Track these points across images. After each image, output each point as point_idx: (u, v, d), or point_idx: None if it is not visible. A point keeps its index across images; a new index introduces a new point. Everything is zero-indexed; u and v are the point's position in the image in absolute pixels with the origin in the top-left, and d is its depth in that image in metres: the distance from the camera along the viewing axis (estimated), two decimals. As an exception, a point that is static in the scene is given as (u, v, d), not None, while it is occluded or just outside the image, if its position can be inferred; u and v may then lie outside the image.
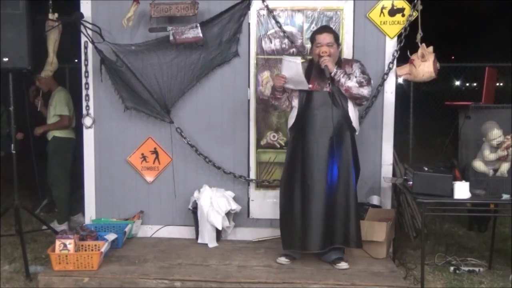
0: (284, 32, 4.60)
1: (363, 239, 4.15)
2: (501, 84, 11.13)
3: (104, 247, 4.03)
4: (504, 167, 3.86)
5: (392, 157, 4.65)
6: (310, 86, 3.95)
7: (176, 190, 4.77)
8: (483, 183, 3.89)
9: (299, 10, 4.61)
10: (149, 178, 4.80)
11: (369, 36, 4.55)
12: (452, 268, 4.30)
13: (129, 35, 4.65)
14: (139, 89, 4.63)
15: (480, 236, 5.26)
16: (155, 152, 4.78)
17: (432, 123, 8.43)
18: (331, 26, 4.50)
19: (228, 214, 4.55)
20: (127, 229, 4.53)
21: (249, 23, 4.62)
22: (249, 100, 4.67)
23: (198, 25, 4.42)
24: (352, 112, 3.99)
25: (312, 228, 3.90)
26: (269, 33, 4.63)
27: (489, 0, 12.86)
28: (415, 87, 6.44)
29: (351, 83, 3.86)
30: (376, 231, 4.17)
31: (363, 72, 3.96)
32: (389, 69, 4.54)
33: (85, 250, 4.00)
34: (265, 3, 4.58)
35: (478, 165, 3.93)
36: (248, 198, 4.76)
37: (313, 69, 4.01)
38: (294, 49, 4.61)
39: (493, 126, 3.87)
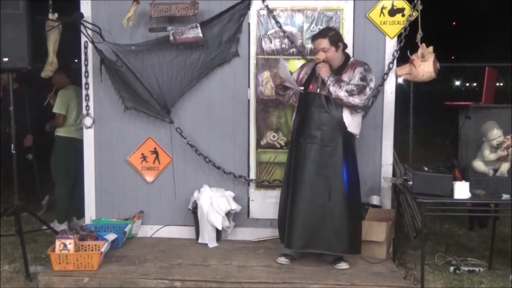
0: (284, 32, 4.60)
1: (363, 239, 4.15)
2: (501, 84, 11.12)
3: (104, 247, 4.03)
4: (504, 167, 3.86)
5: (392, 157, 4.65)
6: (301, 88, 4.00)
7: (176, 190, 4.77)
8: (483, 183, 3.89)
9: (299, 10, 4.61)
10: (149, 178, 4.80)
11: (369, 36, 4.55)
12: (452, 268, 4.30)
13: (129, 35, 4.65)
14: (139, 89, 4.63)
15: (480, 236, 5.26)
16: (155, 152, 4.78)
17: (432, 123, 8.42)
18: (331, 26, 4.51)
19: (228, 214, 4.55)
20: (127, 229, 4.53)
21: (249, 23, 4.62)
22: (249, 100, 4.67)
23: (198, 25, 4.42)
24: (348, 117, 3.93)
25: (295, 227, 3.93)
26: (269, 33, 4.63)
27: (489, 0, 12.87)
28: (415, 87, 6.43)
29: (341, 93, 3.84)
30: (376, 231, 4.17)
31: (362, 78, 3.88)
32: (389, 69, 4.54)
33: (85, 250, 4.00)
34: (265, 3, 4.58)
35: (478, 165, 3.93)
36: (248, 198, 4.76)
37: (314, 72, 4.04)
38: (294, 49, 4.61)
39: (493, 126, 3.87)
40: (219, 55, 4.60)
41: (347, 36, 4.56)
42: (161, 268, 4.01)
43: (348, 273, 3.92)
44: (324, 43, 3.92)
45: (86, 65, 4.72)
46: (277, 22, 4.58)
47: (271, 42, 4.63)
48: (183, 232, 4.77)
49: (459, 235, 5.34)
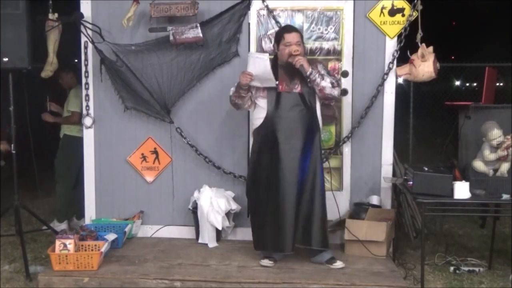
0: (284, 32, 4.59)
1: (363, 239, 4.16)
2: (501, 84, 11.12)
3: (104, 247, 4.03)
4: (504, 167, 3.86)
5: (392, 157, 4.64)
6: (277, 82, 3.89)
7: (176, 190, 4.77)
8: (483, 183, 3.89)
9: (299, 10, 4.61)
10: (149, 178, 4.80)
11: (369, 36, 4.55)
12: (452, 268, 4.30)
13: (129, 35, 4.65)
14: (139, 89, 4.63)
15: (480, 236, 5.26)
16: (155, 152, 4.78)
17: (432, 123, 8.42)
18: (331, 26, 4.53)
19: (228, 214, 4.55)
20: (127, 229, 4.53)
21: (249, 23, 4.62)
22: (249, 100, 4.67)
23: (198, 25, 4.42)
24: (319, 112, 4.02)
25: (286, 230, 3.90)
26: (269, 33, 4.63)
27: (489, 0, 12.86)
28: (415, 87, 6.43)
29: (325, 83, 3.86)
30: (376, 231, 4.17)
31: (328, 73, 3.98)
32: (389, 69, 4.54)
33: (85, 250, 4.00)
34: (265, 3, 4.58)
35: (478, 165, 3.93)
36: (248, 198, 4.76)
37: (279, 70, 3.95)
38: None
39: (493, 126, 3.87)
40: (219, 55, 4.60)
41: (347, 36, 4.56)
42: (161, 268, 4.01)
43: (348, 273, 3.91)
44: (298, 37, 3.91)
45: (86, 65, 4.72)
46: (277, 22, 4.58)
47: (271, 42, 4.63)
48: (183, 232, 4.77)
49: (459, 235, 5.34)
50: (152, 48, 4.60)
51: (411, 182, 3.95)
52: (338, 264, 4.01)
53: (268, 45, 4.63)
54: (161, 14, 4.46)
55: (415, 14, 4.44)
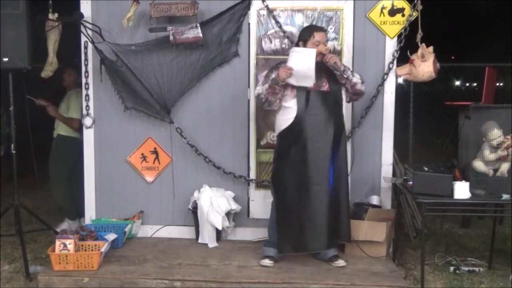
0: (284, 32, 4.60)
1: (363, 239, 4.17)
2: (501, 84, 11.12)
3: (104, 247, 4.03)
4: (504, 167, 3.86)
5: (392, 157, 4.65)
6: (314, 82, 3.86)
7: (176, 190, 4.77)
8: (483, 183, 3.89)
9: (299, 10, 4.61)
10: (149, 178, 4.80)
11: (369, 36, 4.55)
12: (452, 268, 4.30)
13: (129, 35, 4.65)
14: (139, 89, 4.63)
15: (480, 236, 5.26)
16: (155, 152, 4.78)
17: (432, 123, 8.42)
18: (331, 26, 4.54)
19: (228, 214, 4.55)
20: (127, 229, 4.53)
21: (249, 23, 4.62)
22: (249, 100, 4.67)
23: (198, 25, 4.42)
24: (344, 109, 4.10)
25: (320, 229, 3.89)
26: (269, 33, 4.63)
27: (489, 0, 12.86)
28: (415, 87, 6.42)
29: (356, 79, 3.96)
30: (376, 231, 4.17)
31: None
32: (389, 69, 4.54)
33: (85, 250, 4.00)
34: (265, 3, 4.58)
35: (478, 165, 3.93)
36: (248, 198, 4.76)
37: None
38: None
39: (493, 126, 3.87)
40: (219, 55, 4.60)
41: (347, 36, 4.56)
42: (161, 268, 4.01)
43: (348, 273, 3.92)
44: (326, 37, 4.02)
45: (86, 65, 4.72)
46: (277, 22, 4.58)
47: (271, 42, 4.63)
48: (183, 232, 4.77)
49: (459, 235, 5.34)
50: (152, 48, 4.60)
51: (411, 182, 3.95)
52: (340, 262, 4.02)
53: (268, 45, 4.63)
54: (161, 14, 4.47)
55: (415, 14, 4.44)
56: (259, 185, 4.74)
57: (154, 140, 4.77)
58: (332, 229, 3.94)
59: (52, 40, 4.55)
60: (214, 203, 4.47)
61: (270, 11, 4.58)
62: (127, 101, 4.68)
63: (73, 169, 5.24)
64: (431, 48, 4.36)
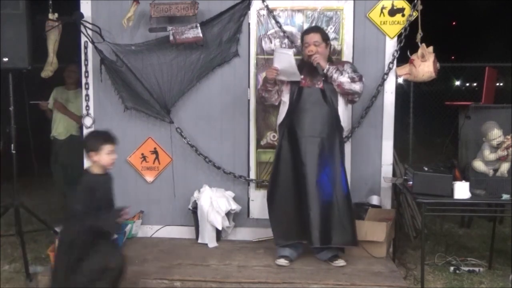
0: (284, 32, 4.60)
1: (363, 239, 4.16)
2: (501, 84, 11.11)
3: (104, 247, 4.02)
4: (504, 167, 3.86)
5: (392, 157, 4.65)
6: (302, 77, 4.00)
7: (176, 190, 4.77)
8: (483, 183, 3.89)
9: (299, 10, 4.61)
10: (149, 178, 4.80)
11: (369, 36, 4.55)
12: (452, 268, 4.30)
13: (129, 35, 4.65)
14: (139, 89, 4.63)
15: (480, 236, 5.26)
16: (155, 152, 4.78)
17: (432, 123, 8.42)
18: (331, 26, 4.53)
19: (228, 214, 4.55)
20: (127, 229, 4.53)
21: (249, 23, 4.62)
22: (249, 100, 4.67)
23: (198, 25, 4.42)
24: (343, 110, 4.05)
25: (312, 223, 3.90)
26: (269, 33, 4.63)
27: (489, 0, 12.86)
28: (415, 87, 6.42)
29: (343, 79, 3.92)
30: (376, 231, 4.17)
31: (354, 70, 4.04)
32: (389, 69, 4.54)
33: (85, 250, 3.99)
34: (265, 3, 4.58)
35: (478, 165, 3.92)
36: (248, 198, 4.76)
37: (303, 69, 4.04)
38: (294, 49, 4.58)
39: (493, 126, 3.86)
40: (219, 55, 4.60)
41: (347, 36, 4.56)
42: (161, 268, 4.01)
43: (348, 273, 3.92)
44: (317, 37, 4.01)
45: (86, 65, 4.72)
46: (277, 22, 4.58)
47: (271, 42, 4.63)
48: (183, 232, 4.77)
49: (459, 235, 5.34)
50: (152, 48, 4.60)
51: (411, 182, 3.95)
52: (340, 262, 4.02)
53: (268, 45, 4.63)
54: (161, 14, 4.47)
55: (415, 14, 4.44)
56: (259, 185, 4.74)
57: (154, 140, 4.77)
58: (326, 227, 3.93)
59: (52, 40, 4.55)
60: (214, 203, 4.47)
61: (270, 11, 4.58)
62: (127, 101, 4.68)
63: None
64: (431, 48, 4.36)
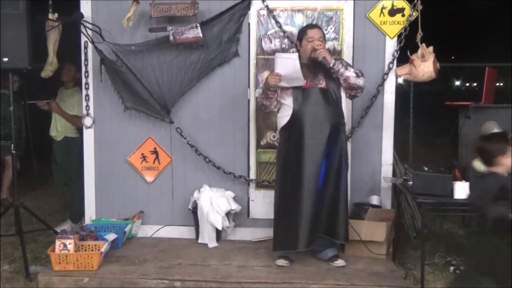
0: (284, 32, 4.60)
1: (363, 239, 4.17)
2: (501, 84, 11.12)
3: (104, 247, 4.03)
4: (504, 167, 3.85)
5: (392, 157, 4.64)
6: (304, 81, 3.93)
7: (176, 190, 4.77)
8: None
9: (299, 10, 4.61)
10: (149, 178, 4.80)
11: (369, 36, 4.55)
12: (452, 268, 4.30)
13: (129, 35, 4.65)
14: (139, 89, 4.63)
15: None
16: (155, 152, 4.78)
17: (432, 123, 8.43)
18: (331, 26, 4.54)
19: (228, 214, 4.55)
20: (127, 229, 4.53)
21: (249, 23, 4.62)
22: (249, 100, 4.67)
23: (198, 25, 4.42)
24: (344, 106, 4.06)
25: (301, 227, 3.90)
26: (269, 33, 4.63)
27: (489, 0, 12.86)
28: (415, 87, 6.43)
29: (350, 73, 3.91)
30: (376, 231, 4.17)
31: (352, 67, 4.05)
32: (389, 69, 4.54)
33: (85, 250, 4.00)
34: (265, 3, 4.58)
35: (478, 165, 3.92)
36: (248, 198, 4.76)
37: (302, 66, 3.94)
38: (294, 49, 4.60)
39: (493, 126, 3.87)
40: (219, 55, 4.60)
41: (347, 36, 4.56)
42: (161, 268, 4.01)
43: (348, 273, 3.92)
44: (320, 33, 4.01)
45: (86, 65, 4.72)
46: (277, 22, 4.58)
47: (271, 42, 4.63)
48: (183, 232, 4.77)
49: (459, 235, 5.34)
50: (152, 48, 4.60)
51: (411, 182, 3.95)
52: (339, 262, 4.02)
53: (268, 45, 4.63)
54: (161, 14, 4.47)
55: (415, 14, 4.44)
56: (259, 185, 4.74)
57: (154, 140, 4.77)
58: (317, 226, 3.93)
59: (52, 40, 4.55)
60: (214, 203, 4.47)
61: (270, 11, 4.58)
62: (127, 101, 4.68)
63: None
64: (431, 48, 4.36)
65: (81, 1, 4.65)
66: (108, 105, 4.75)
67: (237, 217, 4.70)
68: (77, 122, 5.15)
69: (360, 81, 3.94)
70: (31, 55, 4.13)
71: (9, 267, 4.34)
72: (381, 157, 4.62)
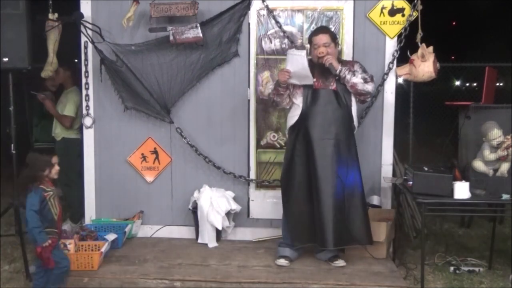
0: (284, 32, 4.60)
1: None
2: (501, 84, 11.11)
3: (104, 247, 4.03)
4: (504, 167, 3.86)
5: (392, 157, 4.65)
6: (315, 80, 3.94)
7: (176, 190, 4.77)
8: (483, 183, 3.89)
9: (299, 10, 4.61)
10: (149, 178, 4.80)
11: (369, 36, 4.55)
12: (452, 268, 4.30)
13: (129, 35, 4.65)
14: (139, 89, 4.63)
15: (480, 236, 5.26)
16: (155, 152, 4.78)
17: (432, 123, 8.42)
18: (331, 26, 4.53)
19: (228, 214, 4.55)
20: (127, 229, 4.53)
21: (249, 23, 4.62)
22: (249, 100, 4.67)
23: (198, 25, 4.42)
24: (355, 110, 4.04)
25: (326, 225, 3.86)
26: (269, 33, 4.63)
27: (489, 0, 12.87)
28: (415, 87, 6.42)
29: (357, 79, 3.91)
30: (376, 231, 4.17)
31: (364, 70, 4.01)
32: (389, 69, 4.54)
33: (85, 250, 4.00)
34: (265, 3, 4.58)
35: (478, 165, 3.92)
36: (248, 198, 4.76)
37: (315, 70, 3.98)
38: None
39: (493, 126, 3.87)
40: (219, 55, 4.60)
41: (347, 36, 4.56)
42: (161, 268, 4.01)
43: (348, 273, 3.92)
44: (326, 38, 3.96)
45: (86, 65, 4.72)
46: (277, 22, 4.58)
47: (271, 42, 4.63)
48: (183, 232, 4.77)
49: (459, 235, 5.34)
50: (152, 48, 4.60)
51: (411, 182, 3.95)
52: (340, 262, 4.02)
53: (268, 45, 4.63)
54: (161, 14, 4.47)
55: (415, 14, 4.45)
56: (259, 185, 4.74)
57: (154, 140, 4.77)
58: (340, 229, 3.90)
59: (52, 40, 4.55)
60: (214, 203, 4.47)
61: (270, 11, 4.58)
62: (127, 101, 4.68)
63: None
64: (431, 48, 4.36)
65: (81, 1, 4.65)
66: (108, 105, 4.75)
67: (237, 217, 4.70)
68: (64, 122, 5.13)
69: (368, 87, 3.93)
70: (31, 55, 4.12)
71: (9, 267, 4.34)
72: (381, 157, 4.62)
